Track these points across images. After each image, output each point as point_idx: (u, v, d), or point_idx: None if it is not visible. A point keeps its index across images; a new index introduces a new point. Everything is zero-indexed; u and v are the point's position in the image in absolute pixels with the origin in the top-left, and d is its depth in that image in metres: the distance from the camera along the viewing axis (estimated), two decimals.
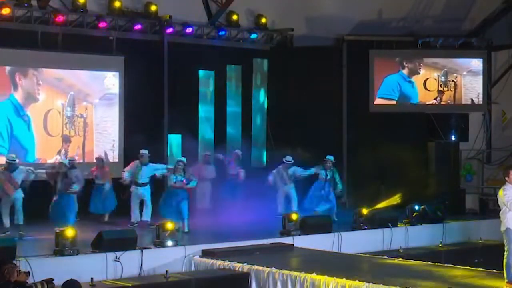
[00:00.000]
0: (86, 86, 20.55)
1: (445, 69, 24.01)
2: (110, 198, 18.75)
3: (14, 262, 10.27)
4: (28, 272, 9.73)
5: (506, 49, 24.71)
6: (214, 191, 20.86)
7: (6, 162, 16.81)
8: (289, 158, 20.08)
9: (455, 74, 24.12)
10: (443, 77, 23.97)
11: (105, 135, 20.79)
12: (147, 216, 17.90)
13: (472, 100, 24.10)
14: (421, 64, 23.93)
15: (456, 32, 24.58)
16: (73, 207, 16.84)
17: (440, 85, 24.00)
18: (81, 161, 19.93)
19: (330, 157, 19.63)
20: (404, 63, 23.87)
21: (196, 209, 19.45)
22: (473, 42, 24.33)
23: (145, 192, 18.03)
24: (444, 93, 24.00)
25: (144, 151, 18.09)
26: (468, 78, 24.12)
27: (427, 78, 24.01)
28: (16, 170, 16.50)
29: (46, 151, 19.81)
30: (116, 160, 20.63)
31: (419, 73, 23.92)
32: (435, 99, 23.99)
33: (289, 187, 19.98)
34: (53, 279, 9.22)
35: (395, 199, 21.06)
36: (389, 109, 23.72)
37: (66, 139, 20.13)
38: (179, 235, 15.58)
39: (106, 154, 20.36)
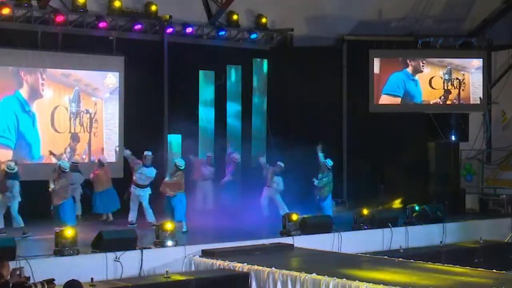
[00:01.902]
0: (95, 80, 20.64)
1: (449, 67, 24.00)
2: (113, 198, 18.73)
3: (10, 262, 10.21)
4: (29, 277, 9.67)
5: (506, 49, 24.72)
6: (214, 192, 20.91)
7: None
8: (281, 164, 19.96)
9: (462, 72, 24.10)
10: (447, 75, 23.97)
11: (115, 132, 20.89)
12: (150, 218, 17.80)
13: (480, 98, 24.07)
14: (424, 62, 23.92)
15: (456, 32, 24.58)
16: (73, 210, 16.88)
17: (445, 83, 23.99)
18: (87, 160, 20.12)
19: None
20: (408, 61, 23.87)
21: (198, 209, 19.50)
22: (473, 42, 24.33)
23: (143, 194, 17.92)
24: (451, 92, 23.99)
25: (148, 153, 18.04)
26: (477, 76, 24.10)
27: (433, 77, 24.00)
28: None
29: (53, 148, 19.81)
30: (115, 160, 20.66)
31: (422, 71, 23.93)
32: (440, 97, 23.97)
33: (271, 190, 19.84)
34: (54, 279, 9.18)
35: (397, 203, 21.15)
36: (389, 109, 23.73)
37: (75, 138, 20.20)
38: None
39: (116, 151, 20.61)
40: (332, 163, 19.16)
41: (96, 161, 19.56)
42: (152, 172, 17.91)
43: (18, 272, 9.28)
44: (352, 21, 23.93)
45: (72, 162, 18.45)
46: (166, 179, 17.56)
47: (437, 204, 20.13)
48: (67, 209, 16.34)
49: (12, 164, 16.69)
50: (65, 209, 16.24)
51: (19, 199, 16.41)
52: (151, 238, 15.13)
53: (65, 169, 16.48)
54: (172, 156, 20.24)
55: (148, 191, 17.97)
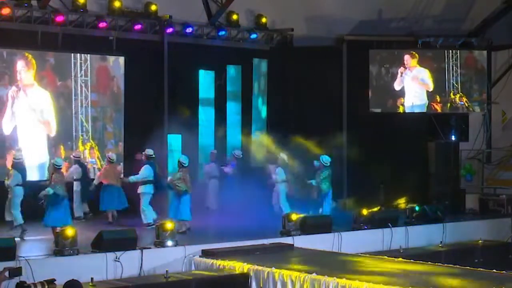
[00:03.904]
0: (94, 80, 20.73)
1: (449, 67, 23.98)
2: (120, 196, 18.59)
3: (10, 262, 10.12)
4: (20, 267, 9.58)
5: (506, 49, 24.72)
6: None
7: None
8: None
9: (462, 72, 24.04)
10: (446, 75, 23.94)
11: (116, 131, 20.94)
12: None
13: (480, 98, 24.06)
14: (426, 63, 23.88)
15: (456, 32, 24.57)
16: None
17: (445, 83, 23.96)
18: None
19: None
20: (408, 61, 23.82)
21: (205, 208, 19.58)
22: (473, 42, 24.31)
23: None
24: (451, 92, 23.97)
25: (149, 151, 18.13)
26: (477, 76, 24.06)
27: (433, 76, 23.95)
28: None
29: (53, 148, 19.87)
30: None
31: (422, 71, 23.90)
32: (440, 98, 23.92)
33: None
34: (54, 280, 9.17)
35: (402, 203, 21.15)
36: (389, 109, 23.70)
37: (76, 138, 20.21)
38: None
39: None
40: (329, 159, 19.29)
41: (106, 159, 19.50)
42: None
43: (6, 272, 9.16)
44: (352, 21, 23.93)
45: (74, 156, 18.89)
46: (169, 178, 17.66)
47: (437, 204, 20.13)
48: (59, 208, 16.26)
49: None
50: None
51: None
52: (151, 238, 15.14)
53: (59, 166, 16.45)
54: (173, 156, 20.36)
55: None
